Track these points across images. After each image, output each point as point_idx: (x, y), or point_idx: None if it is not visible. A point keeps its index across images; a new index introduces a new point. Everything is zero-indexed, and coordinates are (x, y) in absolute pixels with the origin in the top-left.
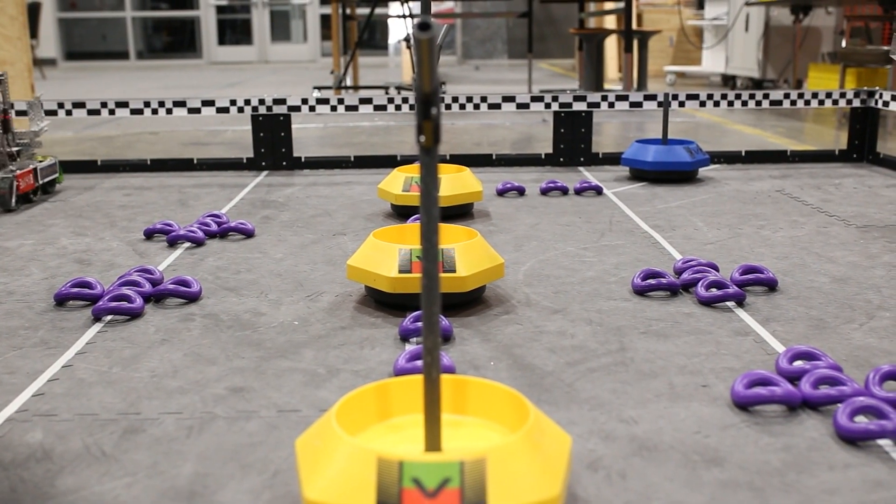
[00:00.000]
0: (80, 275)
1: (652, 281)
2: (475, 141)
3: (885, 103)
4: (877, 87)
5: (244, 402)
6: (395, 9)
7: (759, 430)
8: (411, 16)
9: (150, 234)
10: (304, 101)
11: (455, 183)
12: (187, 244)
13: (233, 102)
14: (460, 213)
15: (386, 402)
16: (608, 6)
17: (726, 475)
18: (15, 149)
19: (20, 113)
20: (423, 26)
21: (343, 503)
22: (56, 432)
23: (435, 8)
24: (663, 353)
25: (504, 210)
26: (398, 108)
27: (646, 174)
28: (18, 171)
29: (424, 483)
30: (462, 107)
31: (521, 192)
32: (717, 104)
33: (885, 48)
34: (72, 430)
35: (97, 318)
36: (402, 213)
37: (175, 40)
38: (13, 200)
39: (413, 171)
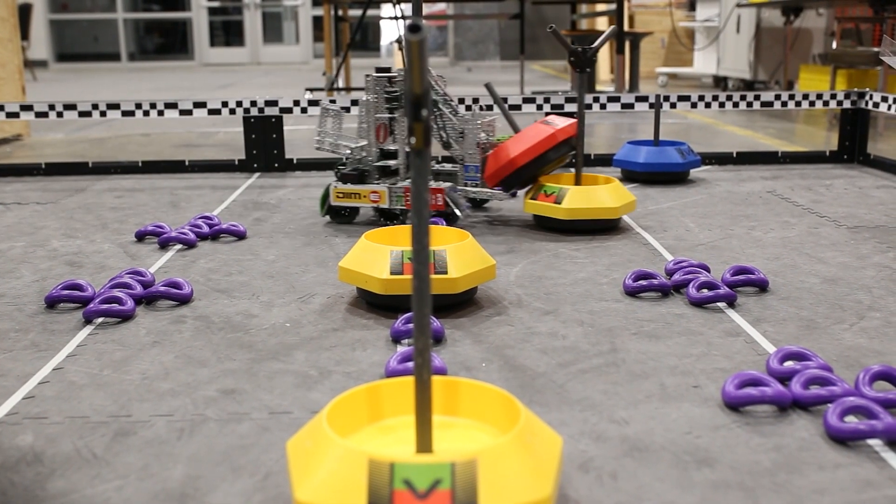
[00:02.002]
0: (71, 277)
1: (643, 282)
2: None
3: (876, 104)
4: (867, 89)
5: (235, 404)
6: (387, 10)
7: (750, 430)
8: (403, 17)
9: (141, 236)
10: (296, 103)
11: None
12: (179, 246)
13: (224, 104)
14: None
15: (377, 404)
16: (600, 8)
17: (717, 475)
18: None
19: (11, 115)
20: (413, 28)
21: None
22: (46, 435)
23: (427, 9)
24: (654, 354)
25: (496, 212)
26: None
27: (637, 175)
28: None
29: (415, 484)
30: None
31: (512, 193)
32: (708, 105)
33: (876, 49)
34: (62, 432)
35: (88, 320)
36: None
37: (167, 42)
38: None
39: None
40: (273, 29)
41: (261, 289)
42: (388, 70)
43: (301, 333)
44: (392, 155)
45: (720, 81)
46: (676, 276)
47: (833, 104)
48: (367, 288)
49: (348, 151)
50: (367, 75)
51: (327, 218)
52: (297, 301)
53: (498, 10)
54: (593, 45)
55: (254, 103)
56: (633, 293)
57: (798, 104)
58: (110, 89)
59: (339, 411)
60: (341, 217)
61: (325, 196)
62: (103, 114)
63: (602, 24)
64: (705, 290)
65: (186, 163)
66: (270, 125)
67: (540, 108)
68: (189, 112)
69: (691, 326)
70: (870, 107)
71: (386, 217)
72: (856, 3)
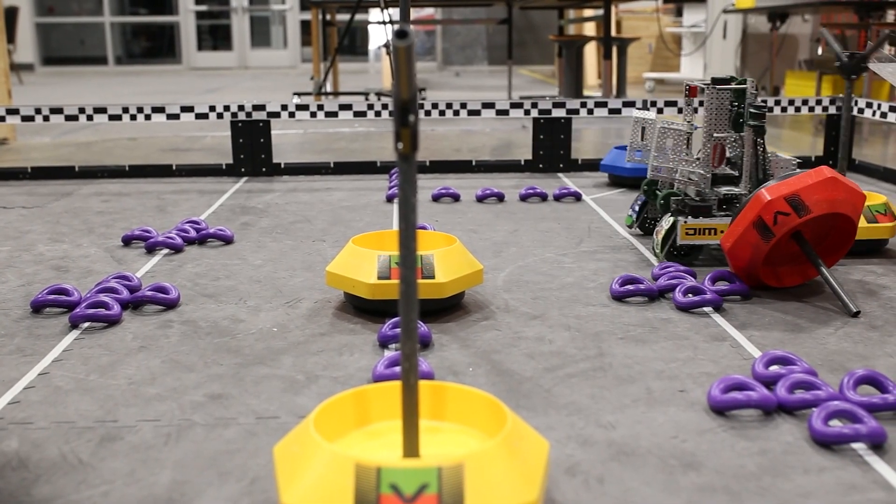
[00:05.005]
0: (58, 281)
1: (630, 287)
2: (455, 147)
3: (861, 110)
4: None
5: (222, 409)
6: (375, 15)
7: (736, 434)
8: (391, 22)
9: (128, 241)
10: (284, 107)
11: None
12: (166, 251)
13: (212, 108)
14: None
15: (364, 409)
16: (587, 13)
17: (703, 479)
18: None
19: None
20: (400, 34)
21: None
22: (32, 440)
23: (415, 14)
24: (641, 359)
25: (483, 216)
26: (378, 114)
27: (624, 180)
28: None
29: (402, 489)
30: (442, 113)
31: (500, 198)
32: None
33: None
34: (48, 438)
35: (74, 325)
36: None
37: (154, 46)
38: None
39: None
40: (261, 33)
41: (248, 293)
42: (726, 81)
43: (288, 338)
44: (723, 180)
45: None
46: (663, 281)
47: (819, 110)
48: (355, 292)
49: (686, 176)
50: (706, 85)
51: (315, 222)
52: (284, 306)
53: (486, 16)
54: (861, 52)
55: (241, 107)
56: (619, 298)
57: (784, 110)
58: (97, 93)
59: (326, 416)
60: (682, 257)
61: (669, 233)
62: (90, 118)
63: (589, 29)
64: (691, 295)
65: (173, 167)
66: (258, 129)
67: (528, 112)
68: (176, 116)
69: (678, 331)
70: (855, 112)
71: None
72: (841, 9)
